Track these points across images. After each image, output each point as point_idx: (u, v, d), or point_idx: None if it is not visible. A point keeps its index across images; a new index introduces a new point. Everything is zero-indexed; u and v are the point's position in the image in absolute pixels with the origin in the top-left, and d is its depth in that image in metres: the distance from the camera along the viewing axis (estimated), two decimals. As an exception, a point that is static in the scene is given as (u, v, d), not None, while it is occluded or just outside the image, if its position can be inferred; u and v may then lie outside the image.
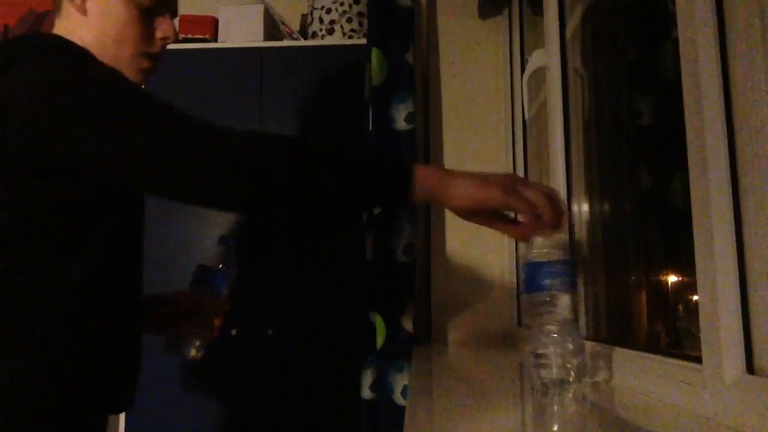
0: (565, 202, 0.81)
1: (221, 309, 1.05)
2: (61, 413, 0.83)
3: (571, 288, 0.82)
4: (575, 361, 0.79)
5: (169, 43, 0.99)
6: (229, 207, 0.86)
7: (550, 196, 0.82)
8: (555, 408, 0.75)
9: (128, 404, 0.95)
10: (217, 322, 1.04)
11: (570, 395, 0.78)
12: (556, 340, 0.79)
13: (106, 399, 0.90)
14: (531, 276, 0.82)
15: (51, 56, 0.83)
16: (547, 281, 0.81)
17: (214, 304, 1.04)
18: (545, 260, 0.81)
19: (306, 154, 0.79)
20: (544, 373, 0.79)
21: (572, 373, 0.78)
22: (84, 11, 0.93)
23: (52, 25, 0.96)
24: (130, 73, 0.95)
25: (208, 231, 1.97)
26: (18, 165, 0.80)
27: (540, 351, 0.80)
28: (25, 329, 0.80)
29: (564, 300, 0.82)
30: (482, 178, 0.81)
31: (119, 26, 0.93)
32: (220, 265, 1.04)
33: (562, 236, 0.85)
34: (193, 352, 1.02)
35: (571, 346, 0.79)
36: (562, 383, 0.78)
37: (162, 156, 0.76)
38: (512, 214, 0.89)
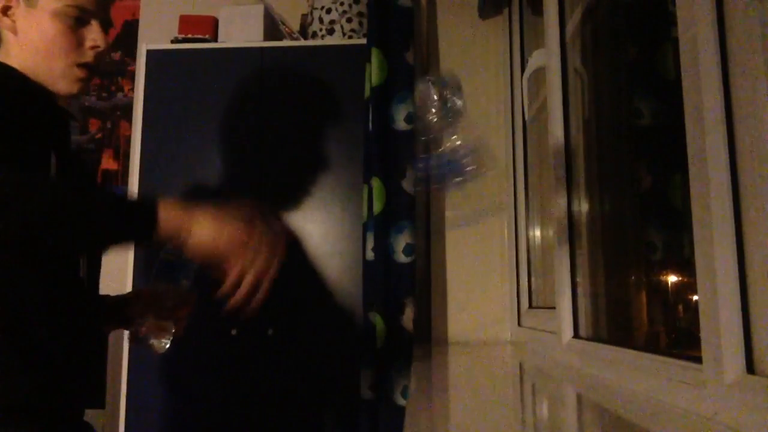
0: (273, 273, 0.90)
1: (186, 301, 1.06)
2: (24, 408, 0.86)
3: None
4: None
5: (101, 51, 1.00)
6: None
7: (262, 271, 0.88)
8: None
9: (97, 400, 0.97)
10: (183, 313, 1.05)
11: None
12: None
13: (66, 395, 0.92)
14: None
15: None
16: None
17: (178, 296, 1.05)
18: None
19: (58, 200, 0.79)
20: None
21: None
22: (15, 31, 0.96)
23: None
24: (65, 83, 0.97)
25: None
26: None
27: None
28: None
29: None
30: (223, 226, 0.85)
31: (47, 40, 0.95)
32: (175, 256, 1.04)
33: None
34: (156, 345, 1.03)
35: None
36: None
37: None
38: None
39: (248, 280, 0.86)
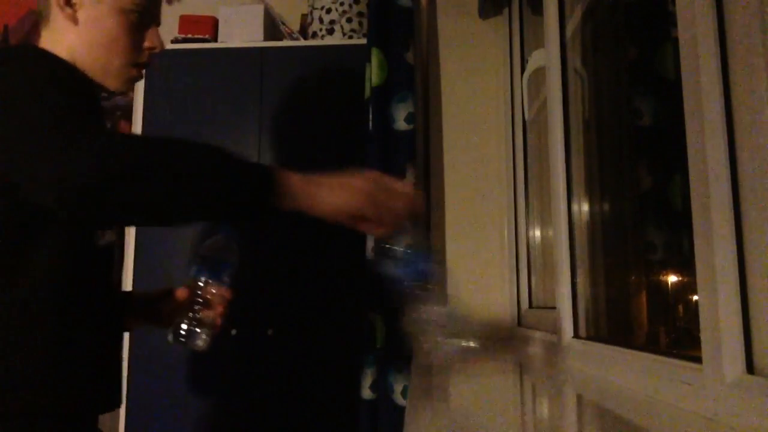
0: (421, 200, 0.91)
1: (224, 297, 1.06)
2: (39, 413, 0.84)
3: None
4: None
5: (156, 53, 1.01)
6: (98, 217, 0.83)
7: (407, 198, 0.87)
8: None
9: (114, 402, 0.97)
10: (221, 310, 1.05)
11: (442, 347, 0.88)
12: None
13: (86, 397, 0.91)
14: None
15: (14, 68, 0.83)
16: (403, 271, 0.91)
17: (217, 292, 1.05)
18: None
19: (167, 159, 0.76)
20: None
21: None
22: (75, 21, 0.94)
23: (38, 33, 0.97)
24: (118, 81, 0.97)
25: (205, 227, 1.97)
26: None
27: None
28: None
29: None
30: (347, 188, 0.83)
31: (110, 37, 0.94)
32: (219, 254, 1.05)
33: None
34: (199, 343, 1.02)
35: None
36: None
37: (35, 164, 0.73)
38: None
39: (385, 226, 0.86)
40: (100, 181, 0.71)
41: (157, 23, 1.01)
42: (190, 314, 1.02)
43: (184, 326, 1.02)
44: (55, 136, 0.74)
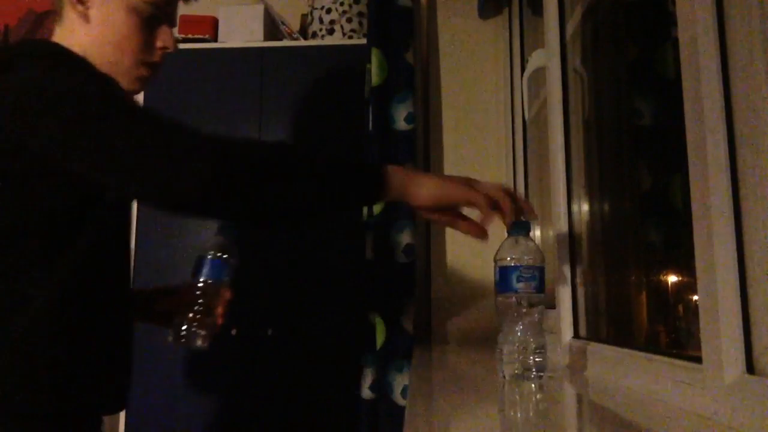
0: (524, 196, 0.91)
1: (224, 297, 1.06)
2: (51, 413, 0.84)
3: (539, 291, 0.89)
4: (536, 358, 0.86)
5: (169, 52, 1.00)
6: (206, 213, 0.85)
7: (507, 190, 0.89)
8: (516, 398, 0.81)
9: (121, 405, 0.96)
10: (221, 309, 1.05)
11: (529, 388, 0.85)
12: (520, 339, 0.87)
13: (97, 399, 0.90)
14: (502, 278, 0.90)
15: (43, 62, 0.84)
16: (517, 285, 0.88)
17: (217, 292, 1.05)
18: (517, 264, 0.89)
19: (283, 160, 0.81)
20: (506, 368, 0.87)
21: (533, 369, 0.86)
22: (87, 18, 0.93)
23: (51, 30, 0.97)
24: (127, 80, 0.96)
25: (206, 226, 1.97)
26: (2, 166, 0.81)
27: (505, 347, 0.88)
28: (11, 330, 0.81)
29: (532, 301, 0.88)
30: (443, 178, 0.89)
31: (120, 35, 0.94)
32: (220, 254, 1.05)
33: (532, 244, 0.92)
34: (199, 342, 1.02)
35: (533, 345, 0.86)
36: (523, 377, 0.86)
37: (138, 164, 0.76)
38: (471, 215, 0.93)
39: (504, 200, 0.88)
40: (219, 182, 0.76)
41: (171, 23, 1.00)
42: (190, 314, 1.02)
43: (184, 326, 1.02)
44: (166, 139, 0.77)
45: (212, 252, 1.05)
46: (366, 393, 1.70)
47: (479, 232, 0.90)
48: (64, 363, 0.84)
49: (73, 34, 0.94)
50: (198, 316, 1.03)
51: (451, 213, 0.90)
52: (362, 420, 1.70)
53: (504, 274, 0.90)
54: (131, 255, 0.99)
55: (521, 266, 0.88)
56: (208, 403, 1.89)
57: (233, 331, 1.89)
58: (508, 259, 0.90)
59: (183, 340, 1.02)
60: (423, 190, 0.86)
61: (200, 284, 1.04)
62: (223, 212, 0.82)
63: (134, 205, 2.02)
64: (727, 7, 0.66)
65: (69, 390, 0.85)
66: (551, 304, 1.33)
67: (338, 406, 1.86)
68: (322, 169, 0.82)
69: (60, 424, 0.85)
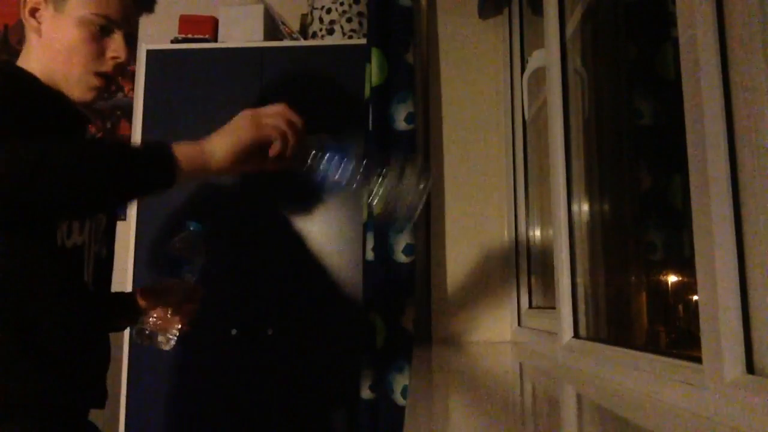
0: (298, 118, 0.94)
1: (192, 295, 1.06)
2: (24, 408, 0.86)
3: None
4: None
5: (121, 63, 1.01)
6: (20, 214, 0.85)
7: (288, 120, 0.92)
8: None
9: (100, 400, 0.97)
10: (189, 308, 1.05)
11: None
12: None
13: (70, 394, 0.92)
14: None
15: None
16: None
17: (182, 291, 1.05)
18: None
19: (67, 153, 0.80)
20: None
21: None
22: (39, 33, 0.97)
23: None
24: (80, 90, 0.98)
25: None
26: None
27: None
28: None
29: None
30: (230, 131, 0.89)
31: (69, 46, 0.96)
32: (181, 251, 1.05)
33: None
34: (161, 342, 1.02)
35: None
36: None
37: None
38: None
39: (289, 138, 0.92)
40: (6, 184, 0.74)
41: (127, 31, 1.01)
42: (154, 314, 1.03)
43: (147, 325, 1.02)
44: None
45: (173, 249, 1.05)
46: (366, 393, 1.70)
47: (277, 156, 0.92)
48: (9, 362, 0.85)
49: (30, 49, 0.98)
50: (155, 316, 1.03)
51: (252, 158, 0.90)
52: (362, 420, 1.70)
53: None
54: (84, 253, 0.98)
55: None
56: (209, 403, 1.89)
57: (233, 331, 1.89)
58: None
59: (144, 338, 1.02)
60: (218, 153, 0.86)
61: (163, 283, 1.05)
62: (14, 214, 0.80)
63: (133, 206, 2.01)
64: (727, 7, 0.66)
65: (39, 385, 0.87)
66: (551, 305, 1.33)
67: (338, 406, 1.86)
68: (103, 158, 0.81)
69: (38, 416, 0.87)
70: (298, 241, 1.95)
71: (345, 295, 1.90)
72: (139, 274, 1.97)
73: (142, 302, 1.07)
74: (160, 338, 1.02)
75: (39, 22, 0.96)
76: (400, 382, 1.68)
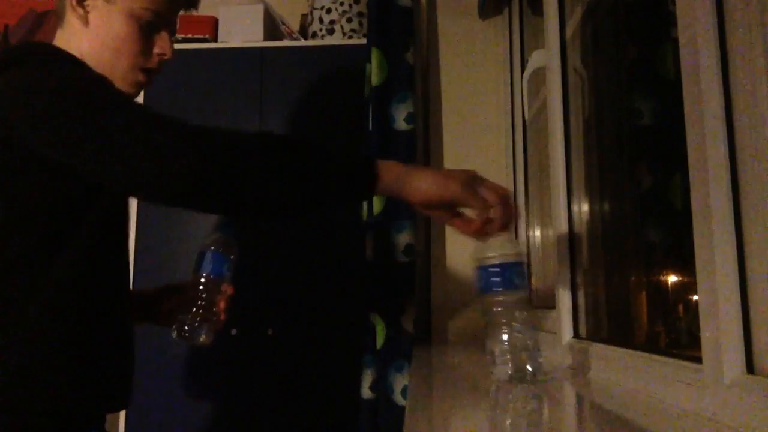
0: (519, 205, 0.89)
1: (226, 292, 1.06)
2: (54, 411, 0.84)
3: (522, 287, 0.85)
4: (530, 360, 0.82)
5: (166, 59, 1.01)
6: (194, 206, 0.85)
7: (505, 198, 0.86)
8: (509, 405, 0.76)
9: (124, 402, 0.96)
10: (223, 305, 1.05)
11: (523, 392, 0.80)
12: (510, 339, 0.83)
13: (100, 396, 0.91)
14: (484, 278, 0.87)
15: (38, 61, 0.85)
16: (498, 281, 0.85)
17: (218, 287, 1.05)
18: (498, 262, 0.86)
19: (270, 152, 0.80)
20: (499, 371, 0.83)
21: (528, 370, 0.82)
22: (86, 22, 0.95)
23: (53, 33, 0.98)
24: (124, 84, 0.97)
25: (206, 226, 1.97)
26: (2, 161, 0.82)
27: (495, 349, 0.84)
28: (13, 326, 0.81)
29: (516, 298, 0.85)
30: (443, 175, 0.86)
31: (119, 39, 0.95)
32: (220, 249, 1.06)
33: (511, 238, 0.90)
34: (203, 338, 1.03)
35: (524, 344, 0.82)
36: (518, 380, 0.82)
37: (127, 157, 0.76)
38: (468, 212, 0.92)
39: (498, 211, 0.86)
40: (207, 174, 0.75)
41: (171, 29, 1.01)
42: (194, 310, 1.03)
43: (187, 322, 1.02)
44: (152, 132, 0.76)
45: (213, 247, 1.06)
46: (366, 393, 1.70)
47: (473, 232, 0.88)
48: (64, 359, 0.84)
49: (73, 37, 0.95)
50: (201, 312, 1.03)
51: (449, 211, 0.89)
52: (362, 420, 1.70)
53: (482, 274, 0.87)
54: (129, 254, 0.99)
55: (499, 264, 0.86)
56: (209, 403, 1.89)
57: (233, 331, 1.89)
58: (486, 257, 0.87)
59: (187, 335, 1.02)
60: (420, 186, 0.84)
61: (202, 279, 1.05)
62: (210, 204, 0.81)
63: (133, 205, 2.02)
64: (727, 7, 0.66)
65: (69, 387, 0.85)
66: (551, 305, 1.33)
67: (338, 406, 1.85)
68: (311, 162, 0.81)
69: (60, 420, 0.85)
70: (298, 241, 1.95)
71: (345, 295, 1.90)
72: (139, 274, 1.97)
73: (175, 299, 1.07)
74: (203, 336, 1.02)
75: (87, 11, 0.94)
76: (400, 382, 1.68)
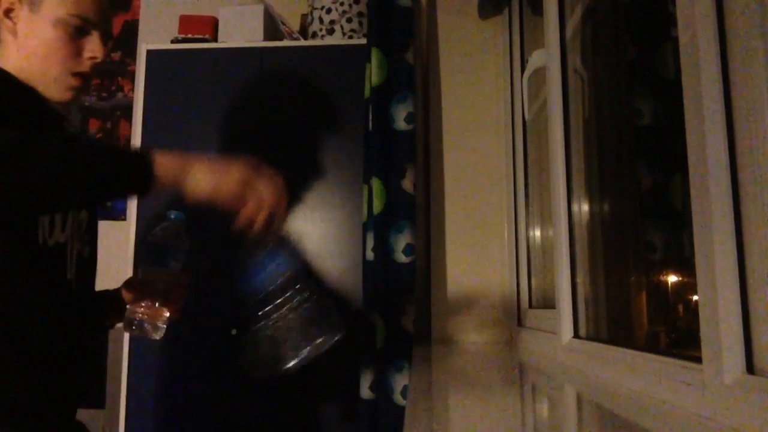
0: (283, 214, 0.93)
1: (178, 282, 1.06)
2: (8, 409, 0.86)
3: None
4: None
5: (98, 62, 1.01)
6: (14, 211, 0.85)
7: (272, 207, 0.92)
8: None
9: (85, 399, 0.98)
10: (177, 295, 1.05)
11: None
12: None
13: (57, 395, 0.93)
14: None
15: None
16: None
17: (169, 278, 1.05)
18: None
19: (56, 146, 0.80)
20: None
21: None
22: (15, 33, 0.97)
23: None
24: (57, 90, 0.98)
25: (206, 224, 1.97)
26: None
27: None
28: None
29: None
30: (221, 171, 0.88)
31: (46, 46, 0.96)
32: (164, 240, 1.05)
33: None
34: (151, 330, 1.03)
35: None
36: None
37: None
38: None
39: (262, 214, 0.90)
40: None
41: (103, 30, 1.01)
42: (142, 304, 1.03)
43: (135, 315, 1.03)
44: None
45: (156, 238, 1.04)
46: (366, 393, 1.70)
47: (239, 225, 0.92)
48: (15, 354, 0.86)
49: (6, 49, 0.98)
50: (143, 307, 1.03)
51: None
52: (362, 420, 1.70)
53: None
54: (67, 251, 0.99)
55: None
56: (208, 403, 1.89)
57: (233, 331, 1.89)
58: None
59: (134, 329, 1.02)
60: (197, 181, 0.86)
61: (147, 272, 1.05)
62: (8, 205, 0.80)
63: (133, 205, 2.02)
64: (727, 7, 0.66)
65: (27, 385, 0.88)
66: (551, 305, 1.33)
67: (338, 406, 1.86)
68: (83, 158, 0.81)
69: (25, 417, 0.88)
70: (298, 241, 1.95)
71: (345, 295, 1.90)
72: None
73: (127, 296, 1.07)
74: (147, 326, 1.02)
75: (14, 23, 0.96)
76: (400, 382, 1.68)
